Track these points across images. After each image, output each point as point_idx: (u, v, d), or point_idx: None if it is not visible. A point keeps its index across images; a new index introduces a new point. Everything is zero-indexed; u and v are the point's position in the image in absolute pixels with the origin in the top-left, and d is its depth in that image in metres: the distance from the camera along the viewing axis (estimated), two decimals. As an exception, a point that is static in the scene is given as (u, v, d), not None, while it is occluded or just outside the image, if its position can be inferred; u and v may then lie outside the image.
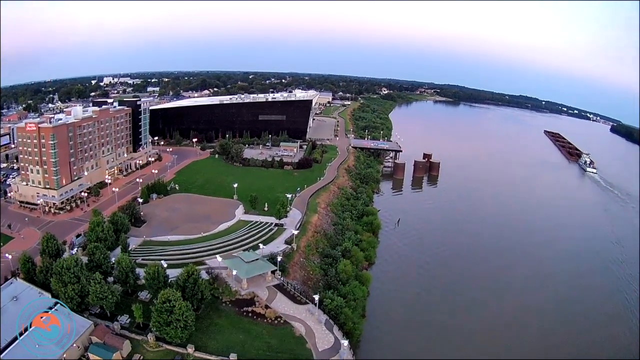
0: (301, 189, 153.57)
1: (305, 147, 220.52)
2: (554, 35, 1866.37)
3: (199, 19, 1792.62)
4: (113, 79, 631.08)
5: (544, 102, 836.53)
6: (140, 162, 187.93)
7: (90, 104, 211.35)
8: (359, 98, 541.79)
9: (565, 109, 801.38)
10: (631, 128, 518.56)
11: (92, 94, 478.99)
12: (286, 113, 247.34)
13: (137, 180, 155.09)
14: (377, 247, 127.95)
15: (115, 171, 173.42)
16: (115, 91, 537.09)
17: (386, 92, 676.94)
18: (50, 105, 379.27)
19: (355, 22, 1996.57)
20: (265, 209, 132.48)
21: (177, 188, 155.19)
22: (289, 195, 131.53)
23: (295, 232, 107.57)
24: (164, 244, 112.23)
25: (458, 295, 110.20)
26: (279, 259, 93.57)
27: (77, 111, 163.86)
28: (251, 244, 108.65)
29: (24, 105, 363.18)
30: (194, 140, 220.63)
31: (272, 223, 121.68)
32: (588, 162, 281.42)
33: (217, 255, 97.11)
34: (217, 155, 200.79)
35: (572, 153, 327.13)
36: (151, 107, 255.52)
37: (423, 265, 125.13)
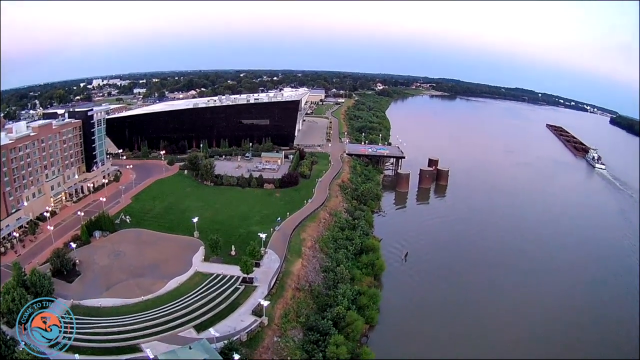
0: (282, 218, 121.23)
1: (291, 156, 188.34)
2: (547, 28, 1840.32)
3: (192, 18, 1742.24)
4: (102, 81, 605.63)
5: (540, 95, 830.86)
6: (95, 183, 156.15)
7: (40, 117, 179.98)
8: (354, 95, 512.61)
9: (562, 101, 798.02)
10: (631, 120, 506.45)
11: (77, 97, 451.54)
12: (270, 116, 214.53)
13: (79, 213, 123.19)
14: (381, 300, 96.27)
15: (63, 198, 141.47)
16: (101, 94, 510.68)
17: (381, 87, 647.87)
18: (31, 111, 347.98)
19: (348, 18, 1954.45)
20: (232, 253, 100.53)
21: (128, 221, 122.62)
22: (262, 236, 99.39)
23: (265, 304, 75.46)
24: (94, 314, 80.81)
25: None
26: (236, 357, 61.67)
27: (20, 127, 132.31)
28: (206, 317, 77.72)
29: (5, 112, 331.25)
30: (162, 152, 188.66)
31: (238, 277, 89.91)
32: (596, 158, 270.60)
33: (147, 349, 65.61)
34: (186, 172, 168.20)
35: (578, 148, 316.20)
36: (116, 115, 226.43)
37: (438, 321, 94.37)
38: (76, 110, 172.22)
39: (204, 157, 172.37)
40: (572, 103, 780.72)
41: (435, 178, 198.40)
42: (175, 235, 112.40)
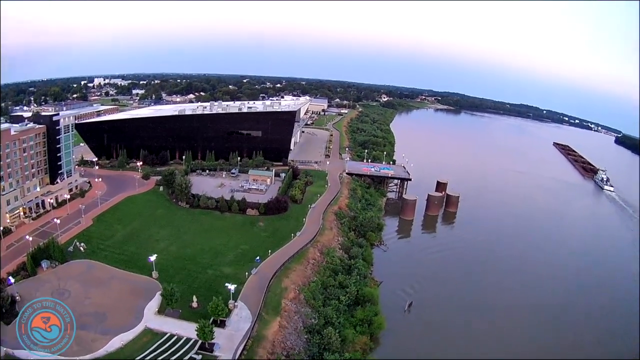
0: (263, 257, 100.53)
1: (283, 174, 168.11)
2: (553, 44, 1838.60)
3: (201, 22, 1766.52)
4: (103, 80, 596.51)
5: (544, 111, 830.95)
6: (58, 197, 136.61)
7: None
8: (357, 105, 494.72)
9: (566, 119, 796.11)
10: (636, 140, 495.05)
11: (74, 96, 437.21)
12: (263, 128, 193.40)
13: (27, 237, 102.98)
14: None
15: (21, 213, 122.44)
16: (98, 93, 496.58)
17: (386, 99, 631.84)
18: (25, 108, 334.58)
19: (356, 29, 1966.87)
20: (194, 304, 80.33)
21: (82, 249, 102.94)
22: (231, 287, 78.84)
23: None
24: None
25: None
26: None
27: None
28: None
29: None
30: (139, 163, 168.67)
31: (196, 342, 69.71)
32: (605, 180, 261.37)
33: None
34: (161, 188, 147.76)
35: (586, 169, 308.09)
36: (93, 119, 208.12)
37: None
38: (40, 114, 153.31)
39: (183, 172, 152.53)
40: (577, 121, 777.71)
41: (444, 204, 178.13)
42: (131, 274, 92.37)
